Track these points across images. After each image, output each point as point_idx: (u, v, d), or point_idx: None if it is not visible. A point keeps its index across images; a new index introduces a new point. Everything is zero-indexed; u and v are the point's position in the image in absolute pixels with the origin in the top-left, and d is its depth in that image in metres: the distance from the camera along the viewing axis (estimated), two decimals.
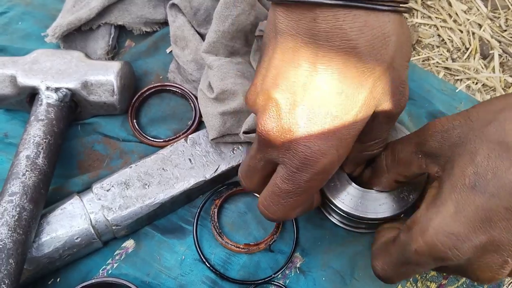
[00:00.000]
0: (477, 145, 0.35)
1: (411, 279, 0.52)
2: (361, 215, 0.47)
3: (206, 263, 0.51)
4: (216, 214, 0.54)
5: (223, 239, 0.52)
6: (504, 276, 0.37)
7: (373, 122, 0.40)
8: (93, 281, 0.49)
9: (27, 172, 0.50)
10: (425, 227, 0.36)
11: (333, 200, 0.48)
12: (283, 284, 0.52)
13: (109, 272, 0.52)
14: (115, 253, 0.53)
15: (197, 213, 0.54)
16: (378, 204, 0.47)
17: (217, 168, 0.54)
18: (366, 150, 0.44)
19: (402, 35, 0.37)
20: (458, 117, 0.38)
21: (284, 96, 0.37)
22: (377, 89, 0.37)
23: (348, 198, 0.48)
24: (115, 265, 0.53)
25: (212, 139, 0.54)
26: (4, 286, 0.44)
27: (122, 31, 0.65)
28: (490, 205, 0.34)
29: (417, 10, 0.67)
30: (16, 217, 0.47)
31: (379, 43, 0.36)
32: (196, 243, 0.52)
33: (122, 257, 0.53)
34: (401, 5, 0.36)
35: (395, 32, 0.36)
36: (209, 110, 0.54)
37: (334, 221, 0.53)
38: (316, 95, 0.36)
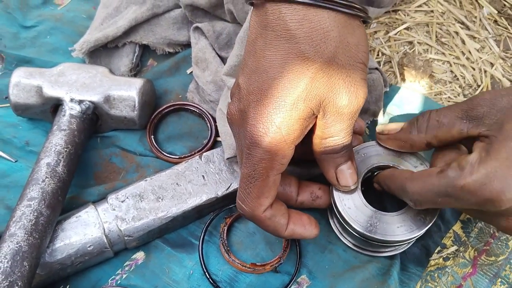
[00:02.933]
0: None
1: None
2: (380, 238, 0.48)
3: (209, 278, 0.52)
4: (225, 231, 0.55)
5: (230, 257, 0.53)
6: None
7: (325, 117, 0.43)
8: None
9: (47, 179, 0.51)
10: (478, 168, 0.39)
11: (350, 222, 0.49)
12: None
13: (118, 282, 0.53)
14: (125, 263, 0.54)
15: (205, 228, 0.55)
16: (396, 227, 0.49)
17: (229, 186, 0.55)
18: (326, 145, 0.45)
19: (349, 35, 0.41)
20: (506, 89, 0.42)
21: (244, 81, 0.42)
22: (319, 80, 0.41)
23: (365, 221, 0.49)
24: (124, 275, 0.53)
25: (227, 158, 0.55)
26: (17, 287, 0.45)
27: (145, 51, 0.67)
28: None
29: (431, 46, 0.69)
30: (33, 222, 0.48)
31: (318, 36, 0.40)
32: (201, 258, 0.53)
33: (132, 268, 0.54)
34: (339, 5, 0.40)
35: (336, 29, 0.40)
36: (227, 129, 0.55)
37: (346, 243, 0.54)
38: (264, 78, 0.41)
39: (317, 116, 0.43)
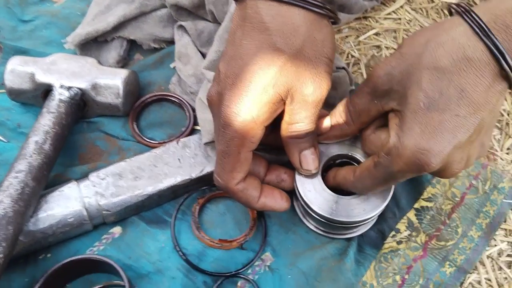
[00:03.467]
0: (418, 75, 0.43)
1: None
2: (337, 219, 0.53)
3: (179, 251, 0.57)
4: (197, 210, 0.59)
5: (200, 233, 0.58)
6: (462, 168, 0.46)
7: (292, 104, 0.48)
8: (79, 257, 0.54)
9: (34, 155, 0.56)
10: (402, 150, 0.44)
11: (310, 205, 0.54)
12: (252, 279, 0.57)
13: (95, 252, 0.57)
14: (103, 236, 0.59)
15: (179, 205, 0.60)
16: (351, 209, 0.53)
17: (203, 169, 0.60)
18: (292, 130, 0.50)
19: (316, 32, 0.46)
20: (394, 58, 0.46)
21: (223, 66, 0.47)
22: (288, 69, 0.46)
23: (325, 204, 0.54)
24: (102, 247, 0.58)
25: (205, 143, 0.60)
26: (1, 248, 0.49)
27: (133, 45, 0.72)
28: (444, 118, 0.42)
29: None
30: (19, 191, 0.53)
31: (288, 30, 0.45)
32: (173, 232, 0.58)
33: (109, 241, 0.58)
34: (310, 4, 0.46)
35: (304, 25, 0.46)
36: (206, 116, 0.60)
37: (309, 226, 0.59)
38: (239, 64, 0.46)
39: (285, 102, 0.48)
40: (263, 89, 0.46)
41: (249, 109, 0.46)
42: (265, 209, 0.53)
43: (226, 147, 0.48)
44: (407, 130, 0.44)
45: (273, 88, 0.46)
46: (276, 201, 0.53)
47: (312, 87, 0.47)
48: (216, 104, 0.48)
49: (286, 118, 0.49)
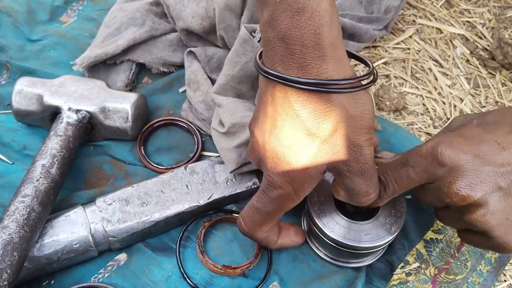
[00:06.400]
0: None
1: None
2: (346, 242, 0.53)
3: (187, 279, 0.56)
4: (202, 234, 0.58)
5: (204, 257, 0.57)
6: None
7: (337, 176, 0.48)
8: (84, 284, 0.53)
9: (41, 179, 0.55)
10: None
11: (323, 229, 0.54)
12: None
13: (100, 280, 0.56)
14: (108, 263, 0.57)
15: (184, 229, 0.59)
16: (364, 234, 0.53)
17: (211, 196, 0.60)
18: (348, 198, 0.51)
19: (351, 109, 0.44)
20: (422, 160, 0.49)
21: (259, 135, 0.47)
22: (324, 150, 0.45)
23: (337, 228, 0.54)
24: (106, 274, 0.57)
25: (231, 172, 0.59)
26: (5, 275, 0.48)
27: (142, 69, 0.72)
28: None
29: (406, 80, 0.75)
30: (25, 216, 0.52)
31: (319, 115, 0.44)
32: (178, 258, 0.57)
33: (114, 268, 0.57)
34: (338, 88, 0.43)
35: (336, 108, 0.44)
36: (223, 145, 0.60)
37: (317, 252, 0.58)
38: (276, 144, 0.46)
39: (325, 172, 0.48)
40: (302, 169, 0.46)
41: (290, 184, 0.47)
42: (282, 248, 0.56)
43: (262, 207, 0.49)
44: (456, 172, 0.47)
45: (312, 168, 0.46)
46: (292, 240, 0.56)
47: (351, 161, 0.46)
48: (257, 162, 0.50)
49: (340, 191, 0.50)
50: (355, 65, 0.75)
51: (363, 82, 0.45)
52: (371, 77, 0.46)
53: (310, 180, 0.47)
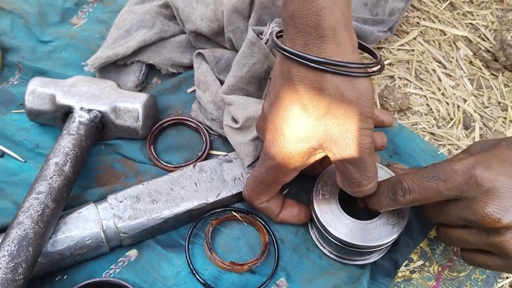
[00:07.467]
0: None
1: None
2: (351, 241, 0.54)
3: (196, 275, 0.57)
4: (210, 231, 0.60)
5: (212, 254, 0.58)
6: None
7: (333, 159, 0.50)
8: (96, 279, 0.55)
9: (54, 176, 0.57)
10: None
11: (327, 227, 0.55)
12: None
13: (111, 275, 0.58)
14: (119, 259, 0.59)
15: (193, 226, 0.61)
16: (366, 234, 0.55)
17: (219, 194, 0.61)
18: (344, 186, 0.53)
19: (346, 92, 0.46)
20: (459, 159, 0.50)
21: (266, 108, 0.51)
22: (317, 128, 0.48)
23: (340, 227, 0.55)
24: (118, 270, 0.58)
25: (248, 165, 0.61)
26: (21, 269, 0.50)
27: (151, 69, 0.74)
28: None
29: (410, 81, 0.76)
30: (39, 212, 0.54)
31: (314, 92, 0.46)
32: (187, 254, 0.59)
33: (125, 263, 0.59)
34: (337, 68, 0.45)
35: (332, 88, 0.46)
36: (239, 140, 0.61)
37: (323, 250, 0.60)
38: (276, 115, 0.49)
39: (316, 150, 0.50)
40: (294, 142, 0.49)
41: (283, 156, 0.50)
42: (283, 223, 0.60)
43: (259, 176, 0.54)
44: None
45: (303, 142, 0.49)
46: (294, 216, 0.60)
47: (343, 145, 0.48)
48: (261, 132, 0.54)
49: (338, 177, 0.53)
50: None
51: (369, 71, 0.47)
52: (376, 67, 0.48)
53: (302, 154, 0.50)
